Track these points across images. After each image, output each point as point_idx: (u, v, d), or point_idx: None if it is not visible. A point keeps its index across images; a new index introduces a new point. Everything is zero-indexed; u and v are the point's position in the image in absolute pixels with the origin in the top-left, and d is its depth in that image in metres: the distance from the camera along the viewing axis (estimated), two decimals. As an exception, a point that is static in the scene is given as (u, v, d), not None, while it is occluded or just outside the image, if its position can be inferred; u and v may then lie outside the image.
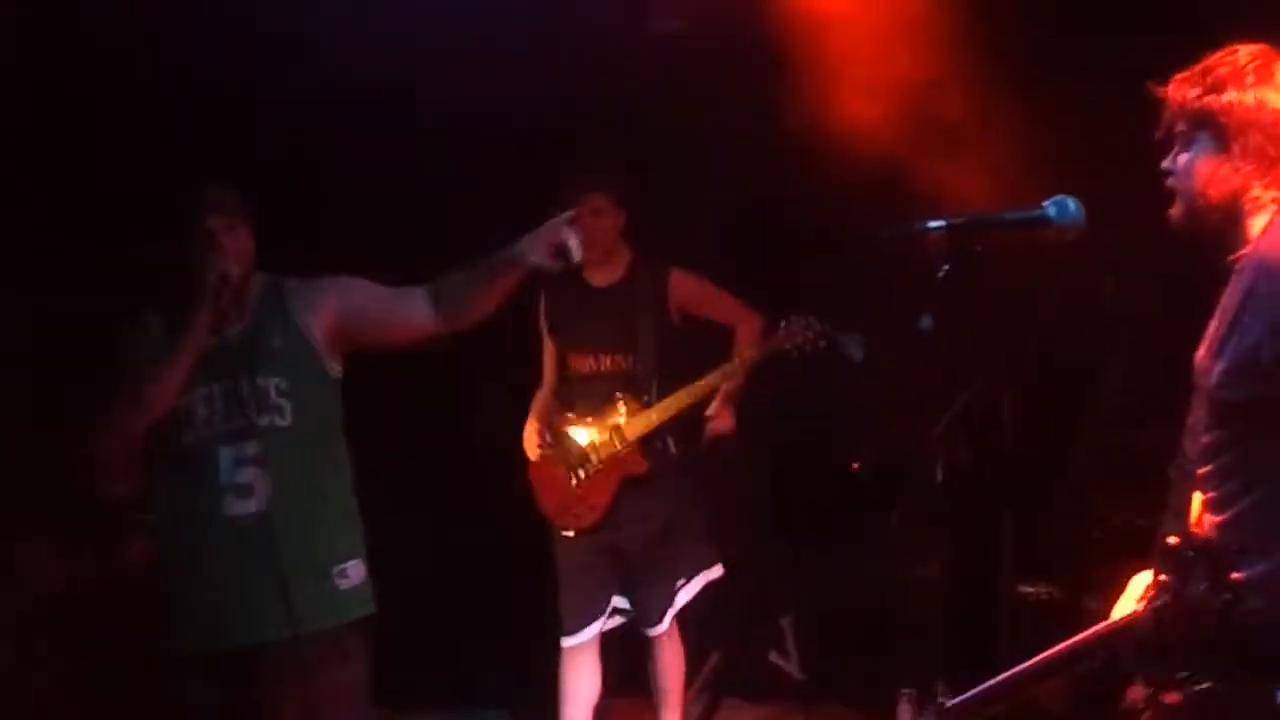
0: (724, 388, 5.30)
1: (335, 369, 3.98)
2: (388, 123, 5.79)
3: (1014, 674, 3.12)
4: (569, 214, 3.82)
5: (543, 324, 5.47)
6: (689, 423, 5.36)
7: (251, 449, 3.81)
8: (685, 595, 5.37)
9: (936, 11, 4.94)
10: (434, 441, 6.21)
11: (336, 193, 5.78)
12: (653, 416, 5.21)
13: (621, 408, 5.22)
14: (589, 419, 5.25)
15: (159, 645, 3.91)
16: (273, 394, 3.84)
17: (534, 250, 3.75)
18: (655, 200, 5.95)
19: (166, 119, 5.47)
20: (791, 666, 6.31)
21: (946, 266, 2.92)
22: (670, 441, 5.32)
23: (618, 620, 5.43)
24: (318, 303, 3.95)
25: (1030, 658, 5.11)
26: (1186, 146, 2.87)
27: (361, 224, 5.76)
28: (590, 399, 5.27)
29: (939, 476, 5.70)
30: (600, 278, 5.35)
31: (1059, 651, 3.04)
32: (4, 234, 5.30)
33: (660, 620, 5.33)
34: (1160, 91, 2.90)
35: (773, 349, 5.17)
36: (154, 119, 5.46)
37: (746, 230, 6.27)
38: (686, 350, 5.39)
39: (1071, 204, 2.97)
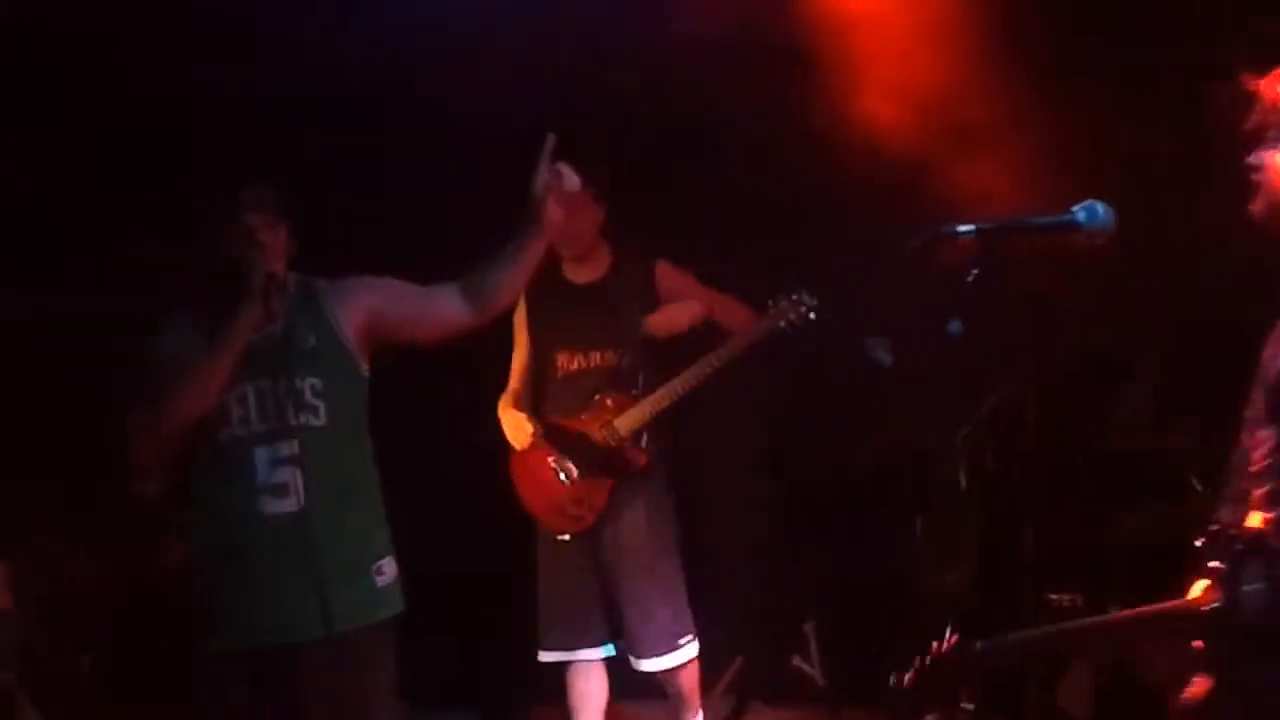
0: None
1: (364, 369, 3.99)
2: (388, 122, 5.80)
3: (1054, 631, 3.14)
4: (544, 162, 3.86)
5: (521, 324, 5.29)
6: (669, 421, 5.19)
7: (288, 449, 3.80)
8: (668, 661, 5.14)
9: (961, 11, 4.93)
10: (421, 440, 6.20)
11: (345, 193, 5.78)
12: (645, 409, 5.06)
13: (609, 402, 5.08)
14: (583, 416, 5.11)
15: (194, 643, 3.93)
16: (308, 394, 3.84)
17: (536, 216, 3.86)
18: (674, 202, 5.98)
19: (190, 116, 5.50)
20: (815, 671, 6.30)
21: (975, 271, 2.92)
22: (645, 437, 5.13)
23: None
24: (349, 302, 3.96)
25: (1051, 665, 5.16)
26: (1276, 143, 2.87)
27: (364, 225, 5.76)
28: (579, 396, 5.12)
29: (963, 482, 5.73)
30: (582, 275, 5.21)
31: (1103, 622, 3.07)
32: (38, 231, 5.34)
33: (655, 654, 5.13)
34: (1253, 85, 2.89)
35: (766, 328, 5.01)
36: (178, 116, 5.50)
37: (769, 233, 6.26)
38: (680, 344, 5.23)
39: (1101, 209, 2.97)
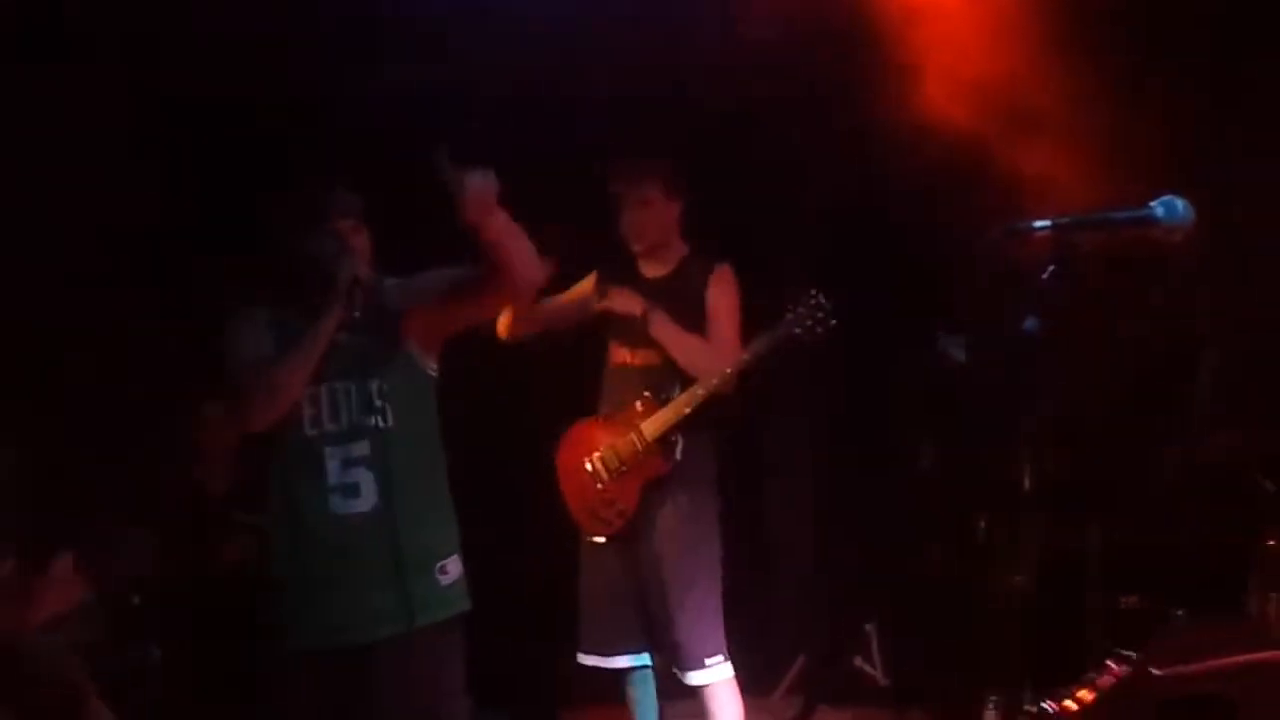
0: None
1: (432, 368, 4.02)
2: (449, 121, 5.83)
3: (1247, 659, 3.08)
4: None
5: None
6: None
7: (359, 450, 3.86)
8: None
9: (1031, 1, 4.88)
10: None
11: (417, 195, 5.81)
12: (668, 414, 4.89)
13: (638, 406, 4.93)
14: (620, 416, 4.97)
15: (264, 641, 3.97)
16: (376, 396, 3.88)
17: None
18: (735, 198, 5.97)
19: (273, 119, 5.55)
20: (876, 672, 6.30)
21: (1052, 267, 2.90)
22: (680, 445, 4.93)
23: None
24: (412, 300, 3.99)
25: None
26: None
27: (430, 227, 5.79)
28: (620, 394, 4.99)
29: (1027, 483, 5.69)
30: (651, 269, 5.06)
31: None
32: (117, 229, 5.39)
33: (692, 666, 4.91)
34: None
35: (781, 335, 4.80)
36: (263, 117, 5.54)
37: (838, 229, 6.24)
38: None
39: (1180, 204, 2.96)
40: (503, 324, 5.03)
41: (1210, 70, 5.15)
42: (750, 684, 5.48)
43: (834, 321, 4.76)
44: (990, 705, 5.42)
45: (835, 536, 6.47)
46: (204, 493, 5.34)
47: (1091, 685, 2.87)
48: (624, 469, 4.94)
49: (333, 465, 3.85)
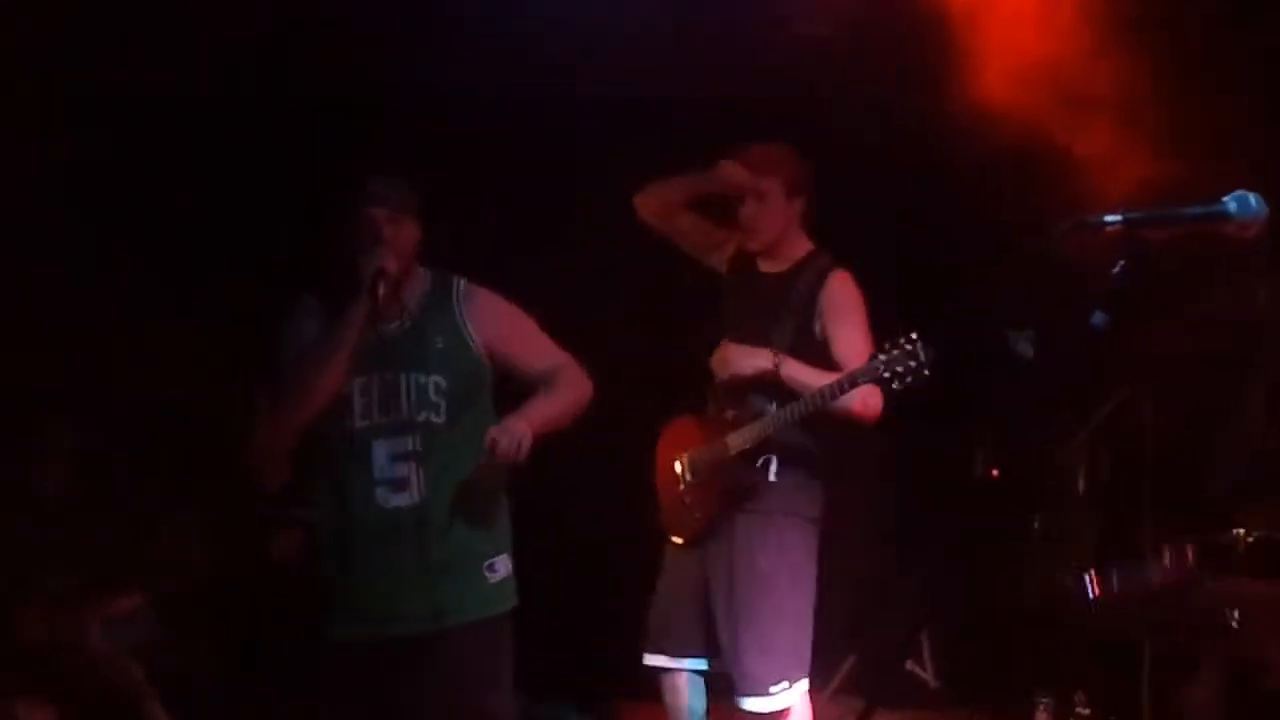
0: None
1: (490, 371, 4.05)
2: (516, 120, 5.85)
3: None
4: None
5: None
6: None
7: (407, 444, 3.86)
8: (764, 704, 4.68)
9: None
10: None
11: (480, 189, 5.82)
12: (754, 431, 4.66)
13: (729, 414, 4.74)
14: (712, 420, 4.81)
15: (310, 632, 3.98)
16: (431, 392, 3.90)
17: None
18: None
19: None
20: (928, 675, 6.27)
21: (1122, 262, 2.85)
22: (774, 467, 4.71)
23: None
24: (486, 318, 4.00)
25: (1172, 671, 5.08)
26: None
27: (494, 221, 5.80)
28: (725, 396, 4.79)
29: (1081, 486, 5.67)
30: (769, 264, 4.86)
31: None
32: (172, 224, 5.42)
33: (740, 692, 4.68)
34: None
35: (865, 379, 4.47)
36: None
37: (905, 224, 6.20)
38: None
39: (1253, 199, 2.91)
40: (641, 202, 4.91)
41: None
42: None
43: (928, 373, 4.39)
44: (1042, 708, 5.39)
45: (891, 537, 6.45)
46: (258, 488, 5.37)
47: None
48: (706, 475, 4.78)
49: (380, 458, 3.87)
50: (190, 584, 5.22)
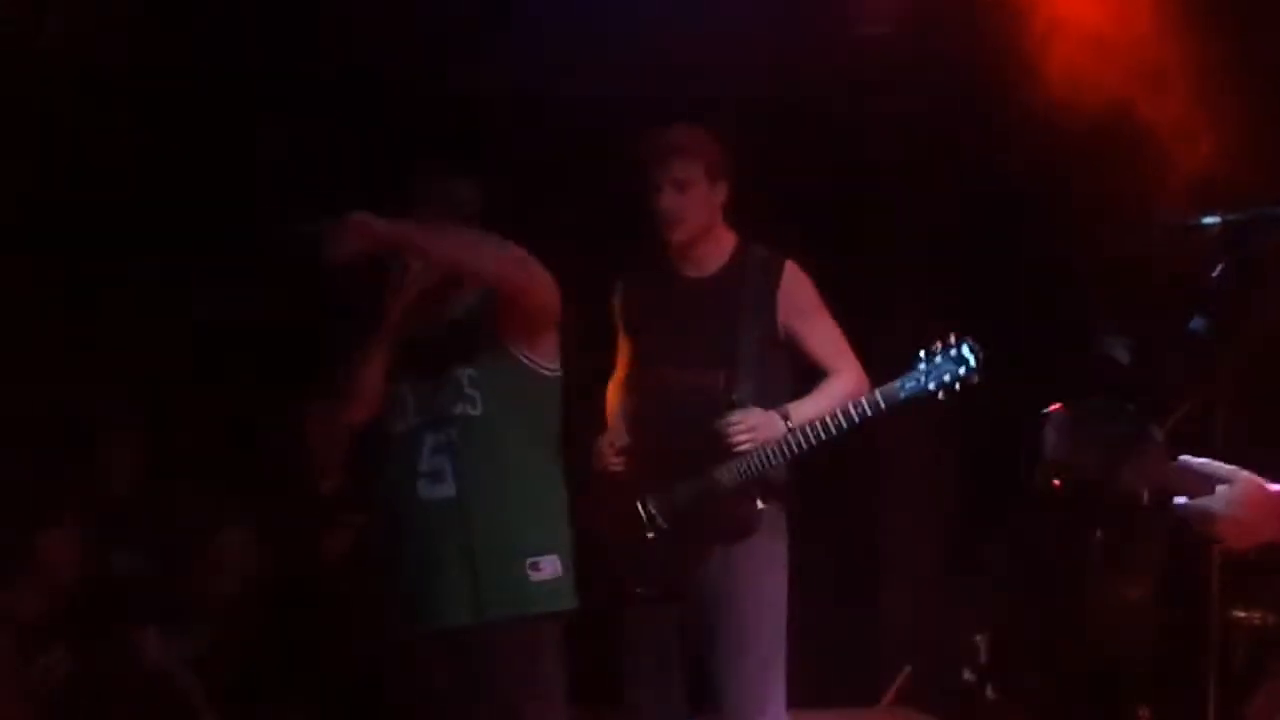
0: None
1: (529, 358, 4.00)
2: (555, 121, 5.83)
3: None
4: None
5: (619, 323, 4.45)
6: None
7: (446, 436, 3.92)
8: None
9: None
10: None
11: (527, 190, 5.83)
12: (755, 462, 4.16)
13: (699, 447, 4.18)
14: (669, 453, 4.23)
15: (360, 627, 3.99)
16: (465, 384, 3.93)
17: None
18: (879, 203, 5.89)
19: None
20: (985, 684, 6.20)
21: (1221, 265, 2.81)
22: (759, 499, 4.21)
23: None
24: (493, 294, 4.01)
25: (1238, 684, 4.99)
26: None
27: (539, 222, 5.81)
28: (674, 422, 4.20)
29: (1145, 496, 5.56)
30: (692, 268, 4.30)
31: None
32: (232, 226, 5.45)
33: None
34: None
35: (908, 394, 4.08)
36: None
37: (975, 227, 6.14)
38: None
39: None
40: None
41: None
42: (857, 691, 5.43)
43: (978, 378, 4.04)
44: (1102, 721, 5.32)
45: (950, 544, 6.38)
46: (315, 492, 5.38)
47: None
48: (687, 516, 4.24)
49: (425, 451, 3.92)
50: (249, 589, 5.24)
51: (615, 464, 4.28)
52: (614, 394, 4.47)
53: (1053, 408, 2.57)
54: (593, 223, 5.54)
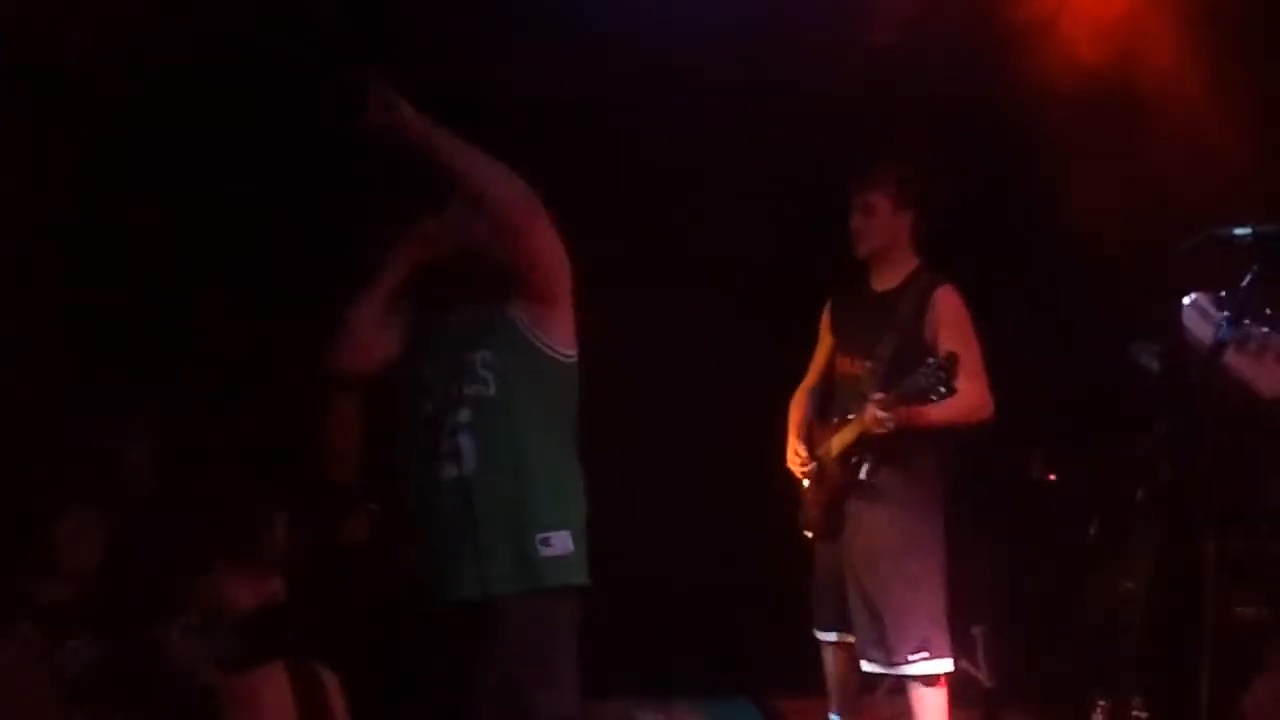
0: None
1: (544, 342, 4.05)
2: (588, 128, 5.92)
3: None
4: None
5: (825, 322, 5.39)
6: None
7: (462, 417, 3.97)
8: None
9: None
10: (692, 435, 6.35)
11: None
12: (846, 434, 5.06)
13: (835, 420, 5.14)
14: (829, 425, 5.18)
15: (379, 604, 4.06)
16: (480, 366, 4.00)
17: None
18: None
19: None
20: (982, 674, 6.28)
21: (1250, 275, 2.84)
22: (866, 466, 5.06)
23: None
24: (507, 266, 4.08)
25: (1232, 675, 5.08)
26: None
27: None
28: (845, 403, 5.12)
29: (1140, 494, 5.65)
30: (878, 282, 5.21)
31: None
32: (263, 220, 5.48)
33: (882, 658, 5.04)
34: None
35: (905, 395, 4.84)
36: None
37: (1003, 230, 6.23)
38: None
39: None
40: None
41: None
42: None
43: (947, 390, 4.72)
44: (1098, 710, 5.41)
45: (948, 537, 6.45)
46: (335, 480, 5.43)
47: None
48: (819, 477, 5.18)
49: (446, 432, 3.98)
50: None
51: (804, 473, 5.28)
52: (799, 400, 5.41)
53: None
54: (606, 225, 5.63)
